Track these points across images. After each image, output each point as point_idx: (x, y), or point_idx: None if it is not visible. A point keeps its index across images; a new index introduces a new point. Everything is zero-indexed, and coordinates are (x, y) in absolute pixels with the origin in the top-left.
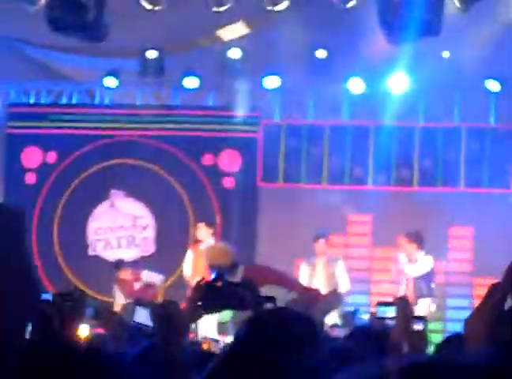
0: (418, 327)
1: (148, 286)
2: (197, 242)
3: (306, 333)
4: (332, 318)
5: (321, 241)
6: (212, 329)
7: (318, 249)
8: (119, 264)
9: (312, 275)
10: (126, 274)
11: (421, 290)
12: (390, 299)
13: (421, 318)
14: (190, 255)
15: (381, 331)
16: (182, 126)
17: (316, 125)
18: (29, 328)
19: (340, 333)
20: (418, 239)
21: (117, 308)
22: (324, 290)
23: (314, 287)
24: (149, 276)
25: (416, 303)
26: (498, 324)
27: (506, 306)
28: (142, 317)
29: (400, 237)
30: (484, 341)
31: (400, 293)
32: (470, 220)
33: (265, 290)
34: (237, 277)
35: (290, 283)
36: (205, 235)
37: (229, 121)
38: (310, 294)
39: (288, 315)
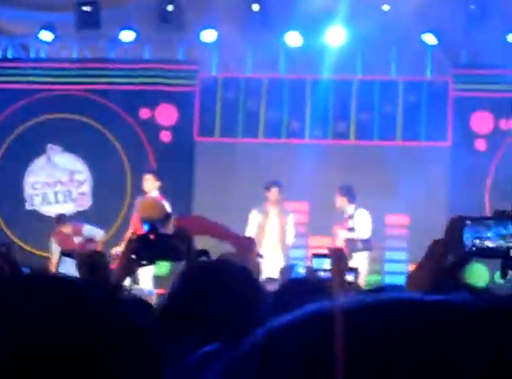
0: (350, 278)
1: (89, 240)
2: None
3: (242, 286)
4: (268, 271)
5: (275, 189)
6: (148, 282)
7: (271, 197)
8: (61, 219)
9: (264, 223)
10: (66, 228)
11: (356, 244)
12: (326, 251)
13: (353, 270)
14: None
15: (315, 282)
16: (118, 80)
17: (253, 78)
18: None
19: (276, 287)
20: (349, 193)
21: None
22: (276, 239)
23: (266, 234)
24: (90, 231)
25: (350, 256)
26: (439, 278)
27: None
28: (69, 267)
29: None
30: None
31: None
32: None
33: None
34: (170, 229)
35: (223, 232)
36: (151, 187)
37: (166, 75)
38: (245, 242)
39: (222, 267)
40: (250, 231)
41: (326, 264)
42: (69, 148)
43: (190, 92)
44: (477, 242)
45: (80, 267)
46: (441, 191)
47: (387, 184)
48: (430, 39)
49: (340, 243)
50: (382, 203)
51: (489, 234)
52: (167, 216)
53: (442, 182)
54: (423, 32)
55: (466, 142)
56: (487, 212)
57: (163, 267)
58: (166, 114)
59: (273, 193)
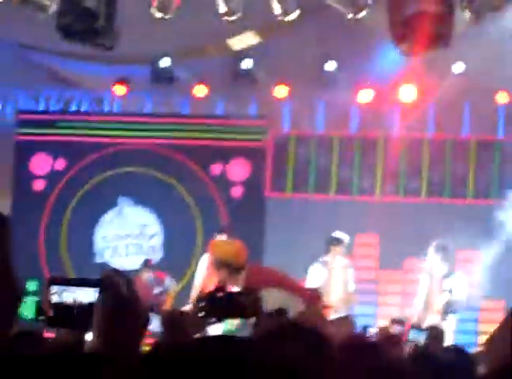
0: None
1: (163, 292)
2: None
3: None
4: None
5: (341, 245)
6: None
7: (336, 252)
8: (146, 264)
9: (329, 278)
10: (148, 274)
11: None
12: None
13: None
14: (204, 261)
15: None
16: (191, 135)
17: (325, 135)
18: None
19: None
20: (443, 251)
21: None
22: (340, 294)
23: (330, 288)
24: (170, 282)
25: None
26: None
27: None
28: (155, 323)
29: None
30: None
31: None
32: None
33: (267, 293)
34: (242, 278)
35: (292, 284)
36: None
37: (238, 130)
38: (312, 294)
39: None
40: (310, 284)
41: (422, 337)
42: (140, 201)
43: (261, 148)
44: None
45: (164, 324)
46: None
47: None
48: (502, 97)
49: (437, 307)
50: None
51: None
52: (241, 266)
53: None
54: (496, 91)
55: None
56: None
57: (232, 324)
58: (238, 170)
59: (339, 247)
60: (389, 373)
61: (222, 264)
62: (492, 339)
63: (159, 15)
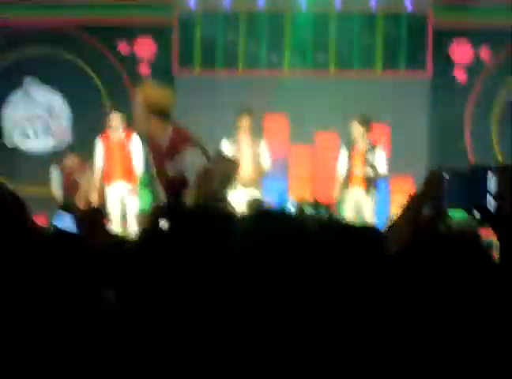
0: None
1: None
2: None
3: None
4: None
5: (247, 117)
6: None
7: (242, 124)
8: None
9: (236, 154)
10: (71, 160)
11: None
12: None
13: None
14: (100, 145)
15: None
16: (96, 12)
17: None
18: None
19: None
20: (368, 124)
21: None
22: (250, 170)
23: (241, 161)
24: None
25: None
26: (417, 230)
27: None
28: (65, 222)
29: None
30: (405, 241)
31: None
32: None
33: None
34: (167, 130)
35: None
36: (118, 124)
37: (143, 7)
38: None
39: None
40: None
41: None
42: (47, 82)
43: (167, 25)
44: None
45: (79, 223)
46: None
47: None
48: None
49: (357, 180)
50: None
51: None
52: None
53: (421, 113)
54: None
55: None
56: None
57: None
58: (144, 48)
59: (245, 120)
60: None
61: (154, 110)
62: (395, 222)
63: None
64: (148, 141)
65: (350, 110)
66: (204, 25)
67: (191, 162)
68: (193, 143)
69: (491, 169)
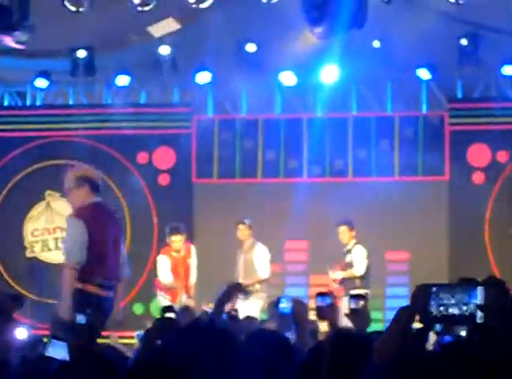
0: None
1: None
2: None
3: None
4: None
5: (241, 227)
6: None
7: (239, 236)
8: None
9: (236, 264)
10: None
11: (354, 282)
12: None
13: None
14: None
15: None
16: (115, 125)
17: (249, 118)
18: None
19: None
20: (353, 227)
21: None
22: (242, 278)
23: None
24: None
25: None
26: (405, 343)
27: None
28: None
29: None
30: (392, 357)
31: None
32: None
33: None
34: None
35: None
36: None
37: (162, 118)
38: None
39: None
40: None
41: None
42: None
43: (186, 135)
44: (442, 308)
45: None
46: (440, 225)
47: (387, 220)
48: (424, 74)
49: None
50: (382, 239)
51: (454, 301)
52: None
53: (440, 216)
54: (417, 67)
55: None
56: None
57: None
58: (163, 158)
59: (240, 230)
60: None
61: (84, 181)
62: (385, 335)
63: (72, 8)
64: None
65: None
66: (221, 133)
67: None
68: None
69: (478, 283)
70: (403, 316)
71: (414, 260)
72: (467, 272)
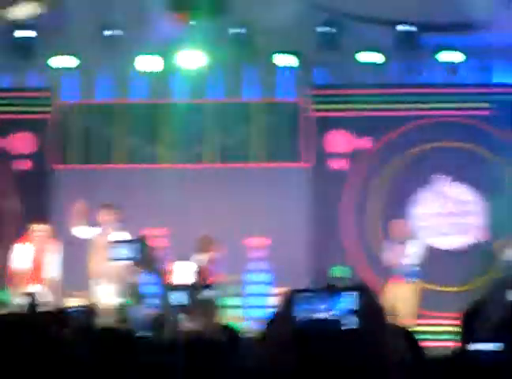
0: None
1: None
2: None
3: None
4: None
5: (103, 211)
6: None
7: (100, 220)
8: None
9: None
10: None
11: None
12: None
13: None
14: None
15: None
16: None
17: (107, 104)
18: None
19: None
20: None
21: None
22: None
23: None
24: None
25: None
26: (282, 348)
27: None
28: None
29: None
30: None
31: None
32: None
33: None
34: None
35: None
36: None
37: (21, 103)
38: None
39: None
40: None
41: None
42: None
43: (45, 120)
44: (309, 314)
45: None
46: (300, 211)
47: (246, 207)
48: (283, 60)
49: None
50: (242, 226)
51: (322, 306)
52: None
53: (300, 203)
54: (277, 53)
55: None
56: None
57: None
58: (22, 143)
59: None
60: None
61: None
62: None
63: None
64: None
65: None
66: (80, 119)
67: None
68: None
69: (343, 288)
70: (275, 321)
71: (274, 246)
72: (326, 258)
